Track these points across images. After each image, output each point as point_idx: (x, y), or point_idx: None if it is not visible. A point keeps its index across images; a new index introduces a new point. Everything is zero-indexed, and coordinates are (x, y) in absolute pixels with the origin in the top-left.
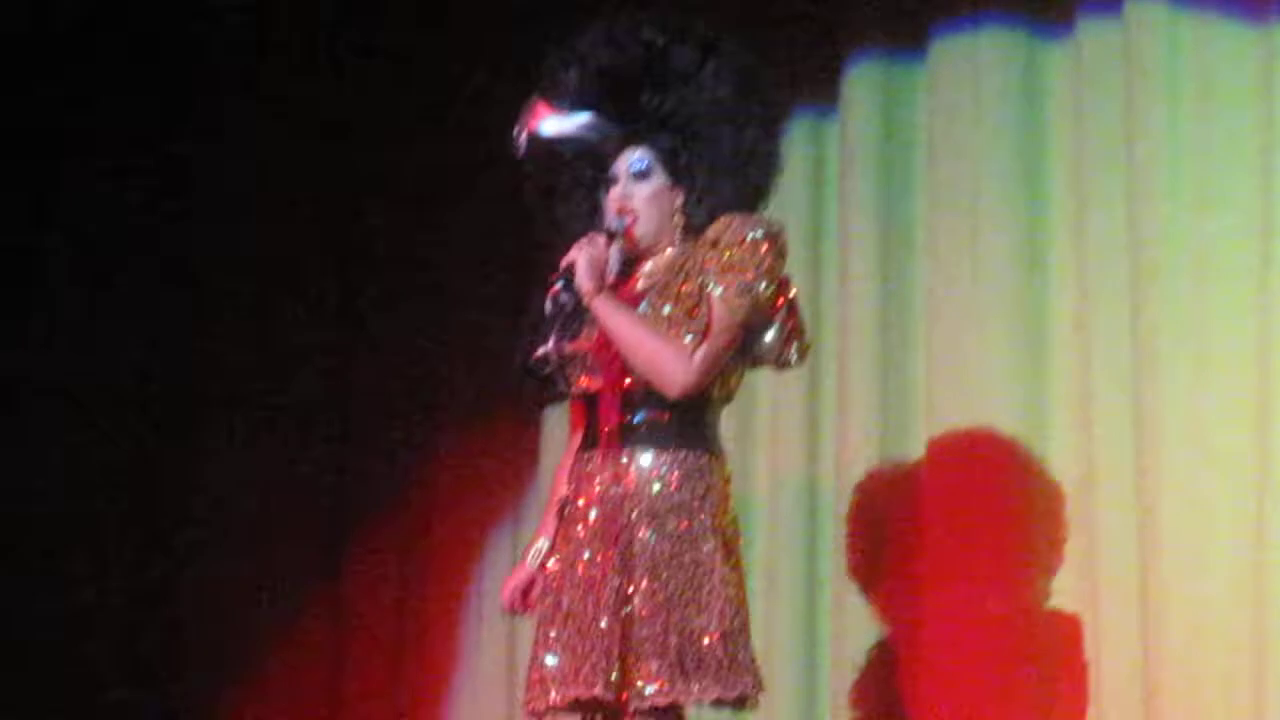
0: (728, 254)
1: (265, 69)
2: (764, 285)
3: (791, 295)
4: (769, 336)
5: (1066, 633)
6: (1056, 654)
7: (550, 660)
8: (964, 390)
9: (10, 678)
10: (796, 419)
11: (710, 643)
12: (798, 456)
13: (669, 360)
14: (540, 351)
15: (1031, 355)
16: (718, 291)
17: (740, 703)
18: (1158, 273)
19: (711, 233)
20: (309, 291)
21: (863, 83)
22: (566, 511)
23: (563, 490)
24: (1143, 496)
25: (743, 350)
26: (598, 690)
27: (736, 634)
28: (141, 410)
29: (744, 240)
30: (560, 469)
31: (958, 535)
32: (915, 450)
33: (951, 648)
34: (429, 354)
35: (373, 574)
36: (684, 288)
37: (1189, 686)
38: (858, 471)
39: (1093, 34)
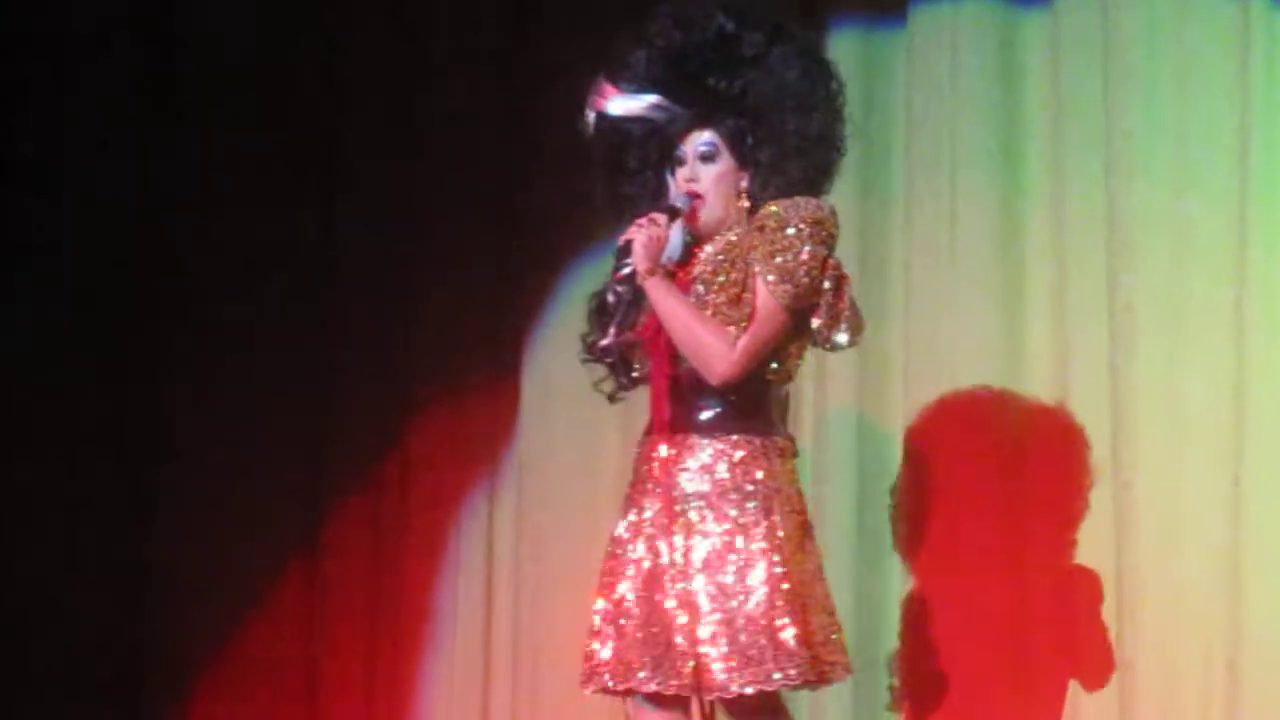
0: (773, 240)
1: None
2: (807, 271)
3: (839, 278)
4: (815, 320)
5: (1042, 608)
6: (1033, 629)
7: (606, 647)
8: (941, 365)
9: None
10: None
11: (769, 629)
12: None
13: (712, 348)
14: (602, 343)
15: (1008, 330)
16: (762, 280)
17: (808, 687)
18: (1134, 248)
19: (759, 219)
20: (282, 259)
21: (843, 53)
22: (627, 498)
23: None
24: (1119, 473)
25: (798, 332)
26: (674, 682)
27: (799, 620)
28: (114, 386)
29: (789, 226)
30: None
31: (936, 511)
32: (892, 424)
33: (929, 619)
34: (402, 312)
35: (348, 536)
36: (731, 274)
37: (1163, 666)
38: (835, 446)
39: (1070, 7)
